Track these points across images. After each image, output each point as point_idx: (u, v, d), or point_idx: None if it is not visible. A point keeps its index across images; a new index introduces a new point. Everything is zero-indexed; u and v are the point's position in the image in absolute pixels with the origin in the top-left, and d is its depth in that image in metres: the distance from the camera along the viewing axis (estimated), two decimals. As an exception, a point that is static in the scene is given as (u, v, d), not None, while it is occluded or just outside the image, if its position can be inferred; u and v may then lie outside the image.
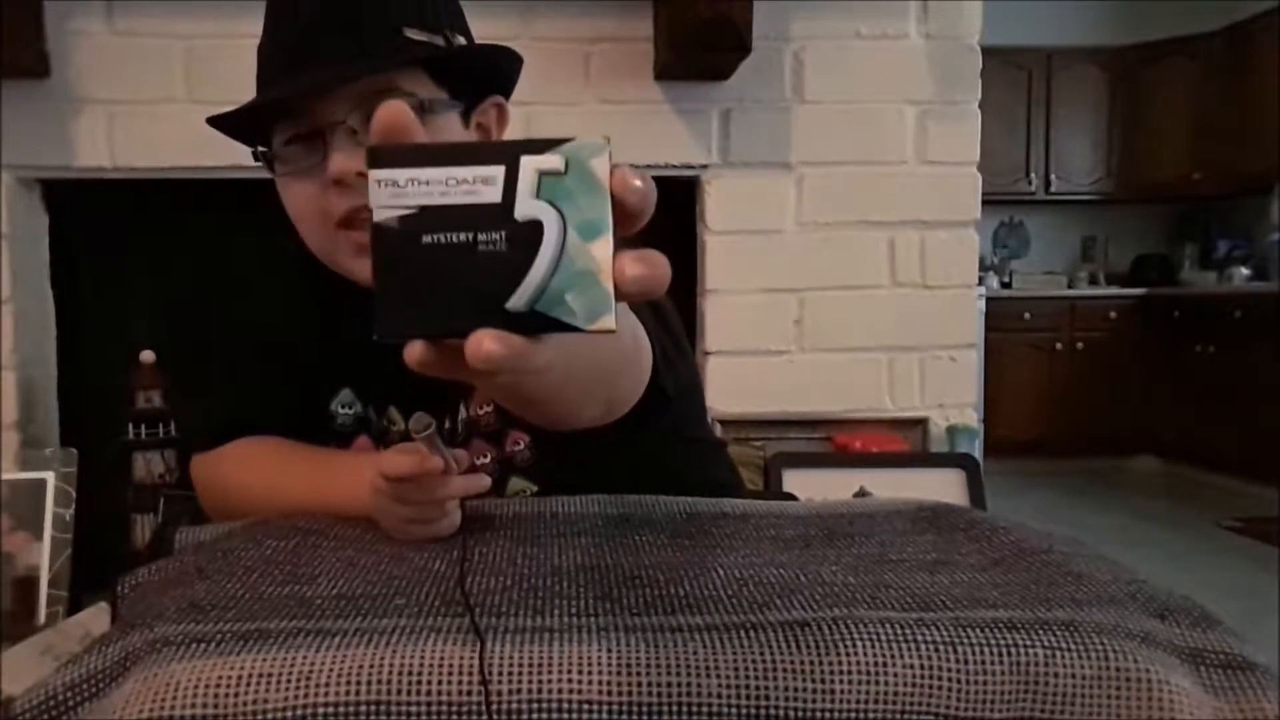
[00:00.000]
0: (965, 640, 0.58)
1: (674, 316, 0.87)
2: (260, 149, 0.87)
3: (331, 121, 0.81)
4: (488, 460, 0.93)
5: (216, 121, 0.87)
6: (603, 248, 0.39)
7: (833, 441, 1.95)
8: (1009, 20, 4.49)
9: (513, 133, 0.94)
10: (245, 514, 0.87)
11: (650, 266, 0.40)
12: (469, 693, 0.54)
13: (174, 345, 1.75)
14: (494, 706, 0.54)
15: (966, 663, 0.57)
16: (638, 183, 0.40)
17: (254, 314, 1.05)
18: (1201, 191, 5.19)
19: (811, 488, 1.26)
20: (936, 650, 0.57)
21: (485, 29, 1.11)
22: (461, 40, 0.90)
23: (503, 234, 0.39)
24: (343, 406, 0.94)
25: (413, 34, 0.84)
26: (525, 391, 0.52)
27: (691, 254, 1.99)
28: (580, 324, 0.39)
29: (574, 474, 0.86)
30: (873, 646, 0.57)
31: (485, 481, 0.78)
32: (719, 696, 0.55)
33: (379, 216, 0.39)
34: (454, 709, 0.54)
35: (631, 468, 0.86)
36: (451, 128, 0.86)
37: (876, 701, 0.56)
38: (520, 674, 0.55)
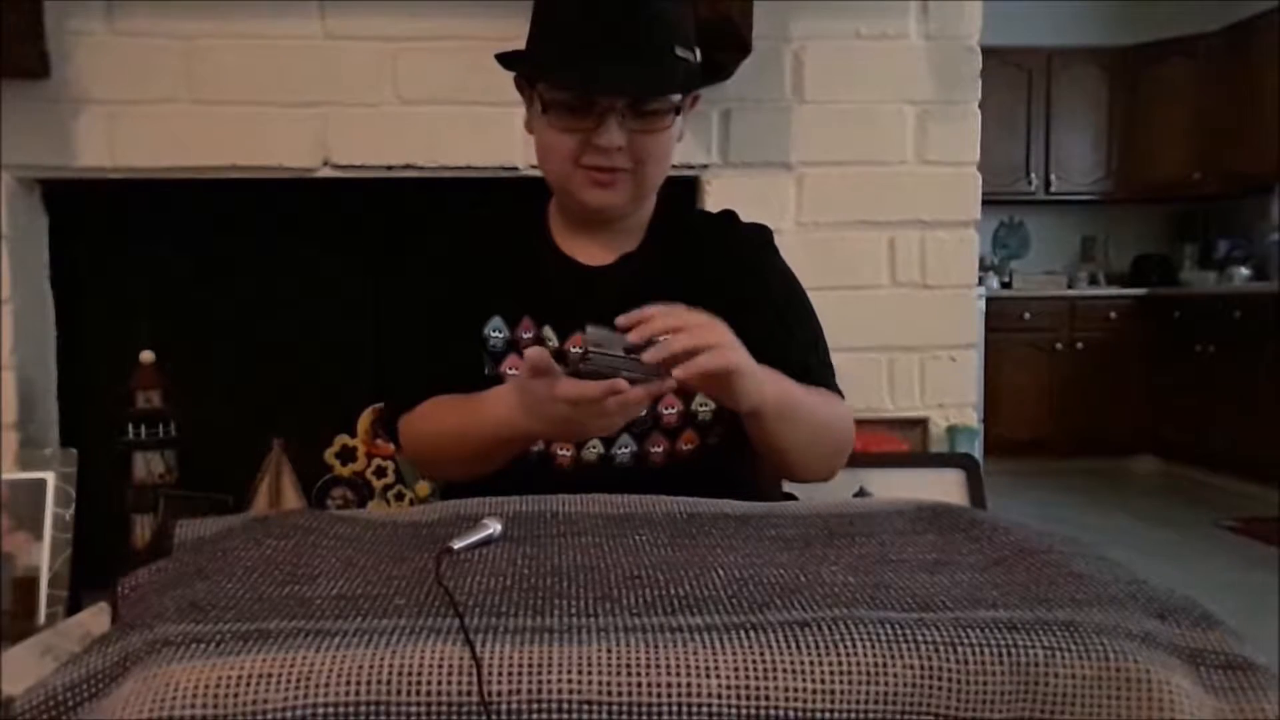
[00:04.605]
0: (965, 640, 0.58)
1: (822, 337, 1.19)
2: (524, 81, 1.11)
3: (609, 106, 1.04)
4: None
5: (504, 57, 1.10)
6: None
7: (833, 441, 1.94)
8: (1009, 20, 4.48)
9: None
10: (438, 453, 1.11)
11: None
12: (469, 693, 0.54)
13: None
14: (494, 706, 0.54)
15: (966, 663, 0.57)
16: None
17: (418, 283, 1.23)
18: (1201, 191, 5.19)
19: (811, 487, 1.26)
20: (936, 650, 0.57)
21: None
22: (697, 50, 1.09)
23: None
24: (494, 331, 1.14)
25: (681, 52, 1.05)
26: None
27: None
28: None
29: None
30: (873, 646, 0.57)
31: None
32: (719, 696, 0.55)
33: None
34: (454, 709, 0.54)
35: None
36: (677, 121, 1.10)
37: (876, 701, 0.56)
38: (520, 674, 0.55)
